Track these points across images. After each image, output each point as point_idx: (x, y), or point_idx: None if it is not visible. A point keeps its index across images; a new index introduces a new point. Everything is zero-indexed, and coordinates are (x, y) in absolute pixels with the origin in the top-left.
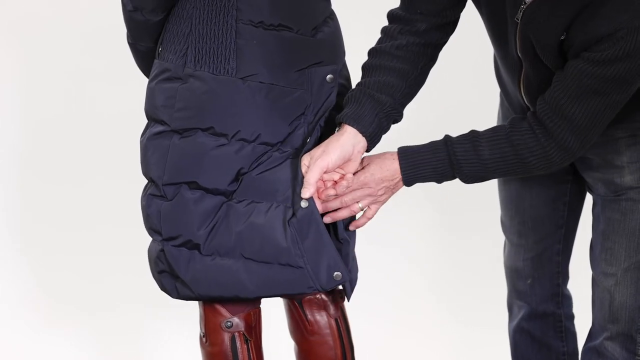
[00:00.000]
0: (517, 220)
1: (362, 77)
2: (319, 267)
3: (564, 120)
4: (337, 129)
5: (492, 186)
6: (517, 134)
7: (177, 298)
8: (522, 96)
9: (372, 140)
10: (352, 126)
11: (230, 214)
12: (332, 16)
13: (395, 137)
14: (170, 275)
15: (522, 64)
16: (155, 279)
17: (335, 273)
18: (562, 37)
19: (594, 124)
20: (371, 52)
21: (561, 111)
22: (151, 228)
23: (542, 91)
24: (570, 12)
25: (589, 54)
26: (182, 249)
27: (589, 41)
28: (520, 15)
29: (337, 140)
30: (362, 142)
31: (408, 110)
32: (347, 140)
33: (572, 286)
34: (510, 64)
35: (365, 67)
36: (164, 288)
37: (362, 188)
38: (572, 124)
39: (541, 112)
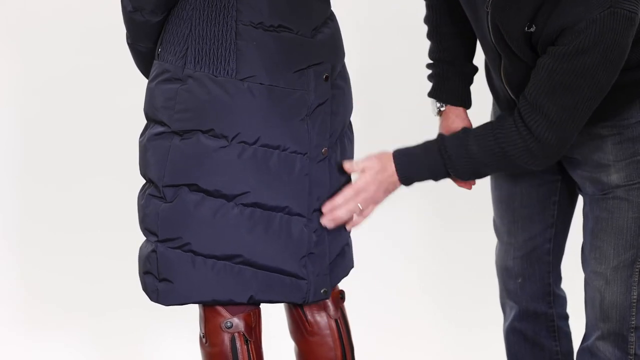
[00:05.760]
0: (507, 219)
1: (435, 46)
2: (314, 280)
3: (541, 116)
4: (439, 108)
5: (485, 187)
6: (501, 130)
7: (155, 301)
8: (506, 88)
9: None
10: (459, 106)
11: (231, 217)
12: (331, 17)
13: (391, 138)
14: (154, 278)
15: (500, 54)
16: (140, 279)
17: (323, 289)
18: (531, 29)
19: (568, 120)
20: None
21: (538, 107)
22: (147, 228)
23: (521, 82)
24: (532, 3)
25: (554, 48)
26: (178, 251)
27: (552, 34)
28: (488, 3)
29: (460, 118)
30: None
31: (408, 110)
32: (464, 118)
33: (570, 287)
34: (491, 55)
35: (432, 35)
36: (145, 289)
37: (362, 192)
38: (547, 120)
39: (522, 108)
